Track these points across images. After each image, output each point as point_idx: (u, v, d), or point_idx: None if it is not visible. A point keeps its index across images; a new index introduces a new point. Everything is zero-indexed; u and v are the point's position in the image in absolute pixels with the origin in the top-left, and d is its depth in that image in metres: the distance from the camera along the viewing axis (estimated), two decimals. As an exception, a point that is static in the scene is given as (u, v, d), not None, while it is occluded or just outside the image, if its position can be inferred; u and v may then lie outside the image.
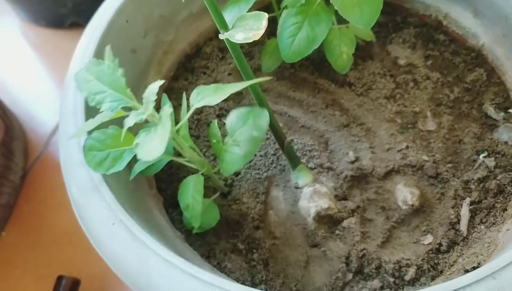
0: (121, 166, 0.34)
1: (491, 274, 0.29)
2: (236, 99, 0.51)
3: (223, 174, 0.38)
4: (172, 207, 0.45)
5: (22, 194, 0.72)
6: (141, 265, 0.33)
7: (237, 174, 0.47)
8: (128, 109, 0.32)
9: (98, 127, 0.36)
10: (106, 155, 0.34)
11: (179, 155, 0.40)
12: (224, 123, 0.39)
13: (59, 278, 0.59)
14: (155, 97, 0.30)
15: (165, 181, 0.47)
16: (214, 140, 0.38)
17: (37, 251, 0.67)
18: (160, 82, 0.31)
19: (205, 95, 0.32)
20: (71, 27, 0.87)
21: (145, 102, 0.31)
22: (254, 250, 0.42)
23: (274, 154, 0.47)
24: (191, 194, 0.36)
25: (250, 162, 0.47)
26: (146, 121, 0.33)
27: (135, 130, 0.35)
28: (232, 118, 0.37)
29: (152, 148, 0.28)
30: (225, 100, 0.51)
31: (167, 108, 0.30)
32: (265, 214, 0.44)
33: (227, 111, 0.51)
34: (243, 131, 0.36)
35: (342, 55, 0.45)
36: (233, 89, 0.33)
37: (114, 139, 0.34)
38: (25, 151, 0.75)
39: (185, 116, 0.33)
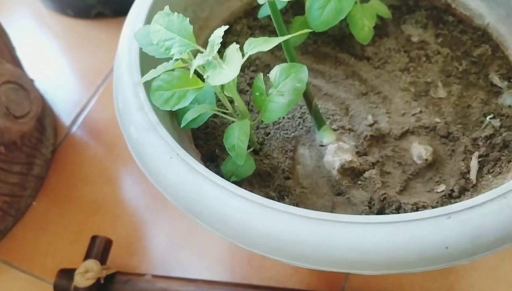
0: (185, 103, 0.39)
1: (502, 194, 0.34)
2: (265, 70, 0.57)
3: (266, 121, 0.43)
4: (209, 161, 0.50)
5: (52, 167, 0.77)
6: (196, 191, 0.38)
7: (267, 133, 0.52)
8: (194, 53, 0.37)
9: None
10: (171, 94, 0.39)
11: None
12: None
13: (93, 238, 0.63)
14: (220, 40, 0.35)
15: (202, 138, 0.52)
16: (257, 93, 0.43)
17: (67, 219, 0.72)
18: (225, 27, 0.36)
19: (257, 44, 0.37)
20: (96, 17, 0.92)
21: (210, 45, 0.36)
22: (285, 197, 0.47)
23: (300, 117, 0.52)
24: (237, 135, 0.41)
25: (278, 123, 0.52)
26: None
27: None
28: (276, 72, 0.42)
29: (224, 74, 0.33)
30: (255, 71, 0.57)
31: (234, 45, 0.35)
32: (294, 167, 0.49)
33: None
34: (286, 83, 0.41)
35: (364, 28, 0.51)
36: (279, 40, 0.38)
37: (180, 80, 0.39)
38: (55, 128, 0.80)
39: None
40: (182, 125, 0.44)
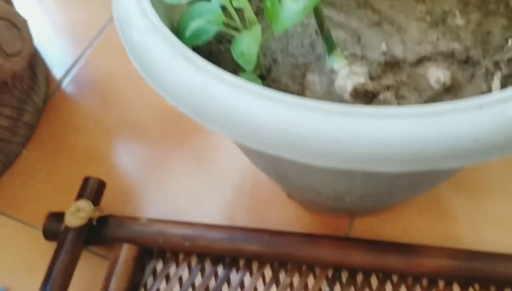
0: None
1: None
2: None
3: (277, 30, 0.40)
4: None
5: (43, 117, 0.74)
6: (205, 88, 0.35)
7: (274, 60, 0.49)
8: None
9: None
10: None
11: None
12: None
13: (86, 179, 0.60)
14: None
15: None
16: (269, 4, 0.40)
17: (58, 167, 0.69)
18: None
19: None
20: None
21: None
22: (295, 119, 0.44)
23: (310, 44, 0.49)
24: (246, 41, 0.38)
25: (286, 50, 0.49)
26: None
27: None
28: (289, -23, 0.39)
29: None
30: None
31: None
32: (303, 93, 0.46)
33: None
34: (302, -10, 0.38)
35: None
36: None
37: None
38: (47, 78, 0.77)
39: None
40: (187, 36, 0.41)
